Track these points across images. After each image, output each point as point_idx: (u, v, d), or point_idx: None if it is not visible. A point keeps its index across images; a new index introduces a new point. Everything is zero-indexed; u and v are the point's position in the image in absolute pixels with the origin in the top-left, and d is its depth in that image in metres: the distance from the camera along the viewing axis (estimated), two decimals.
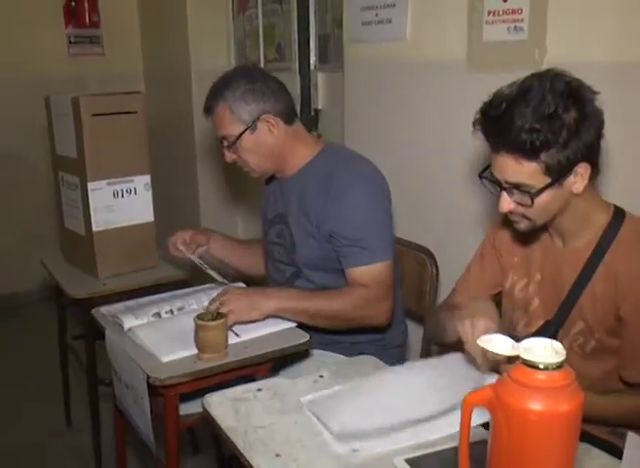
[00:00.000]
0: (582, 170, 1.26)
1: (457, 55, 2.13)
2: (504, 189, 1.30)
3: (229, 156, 1.81)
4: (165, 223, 4.09)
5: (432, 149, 2.31)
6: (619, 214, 1.37)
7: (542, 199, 1.27)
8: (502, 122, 1.23)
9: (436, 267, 1.94)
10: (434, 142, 2.30)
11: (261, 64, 3.57)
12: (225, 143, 1.78)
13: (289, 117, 1.79)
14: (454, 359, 1.45)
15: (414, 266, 2.00)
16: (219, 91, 1.75)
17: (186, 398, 1.65)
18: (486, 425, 1.05)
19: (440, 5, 2.19)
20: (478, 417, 0.95)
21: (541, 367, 0.83)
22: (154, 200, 2.27)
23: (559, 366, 0.83)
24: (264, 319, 1.68)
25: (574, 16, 1.79)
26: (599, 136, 1.27)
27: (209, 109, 1.78)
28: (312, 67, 3.08)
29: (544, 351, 0.85)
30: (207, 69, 3.65)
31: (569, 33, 1.81)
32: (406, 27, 2.32)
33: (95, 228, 2.13)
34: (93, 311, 1.87)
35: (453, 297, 1.65)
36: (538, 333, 1.40)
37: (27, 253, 3.65)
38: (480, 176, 1.37)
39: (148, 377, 1.49)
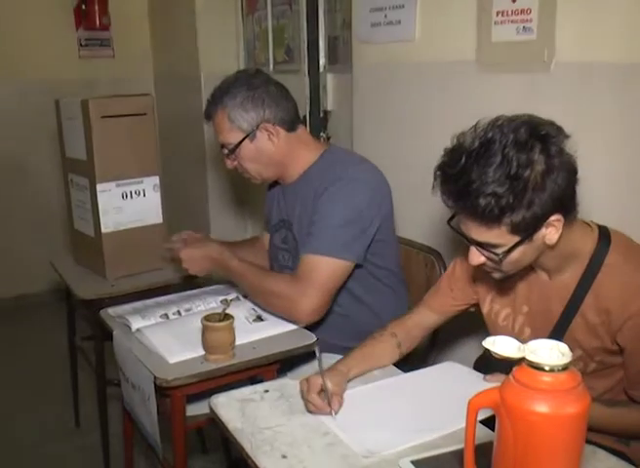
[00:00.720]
0: (555, 221, 1.17)
1: (466, 55, 2.12)
2: (472, 244, 1.23)
3: (230, 163, 1.80)
4: (175, 225, 4.12)
5: (441, 149, 2.29)
6: (604, 239, 1.30)
7: (513, 256, 1.21)
8: (461, 183, 1.15)
9: (444, 269, 1.93)
10: (443, 143, 2.28)
11: (271, 66, 3.57)
12: (225, 151, 1.77)
13: (291, 124, 1.77)
14: (450, 367, 1.50)
15: (422, 268, 1.99)
16: (218, 98, 1.74)
17: (194, 398, 1.66)
18: (486, 421, 1.05)
19: (449, 6, 2.18)
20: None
21: (547, 368, 0.83)
22: (164, 202, 2.27)
23: (565, 368, 0.83)
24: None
25: (583, 16, 1.77)
26: (571, 183, 1.17)
27: (209, 116, 1.78)
28: (322, 69, 3.07)
29: (550, 353, 0.84)
30: (216, 71, 3.65)
31: (578, 34, 1.80)
32: (415, 28, 2.31)
33: (104, 230, 2.13)
34: (101, 312, 1.88)
35: (418, 310, 1.62)
36: None
37: (37, 254, 3.68)
38: (449, 224, 1.28)
39: (155, 378, 1.50)
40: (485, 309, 1.51)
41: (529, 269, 1.37)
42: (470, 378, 1.43)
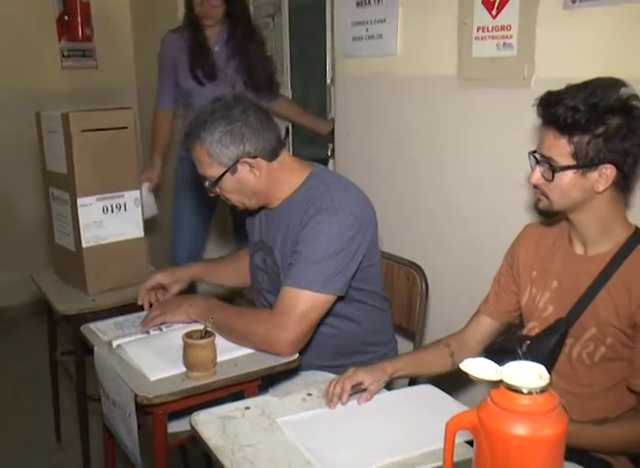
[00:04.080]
0: (609, 172, 1.32)
1: (447, 70, 2.14)
2: (538, 162, 1.39)
3: (212, 192, 1.76)
4: (159, 238, 4.10)
5: (422, 163, 2.32)
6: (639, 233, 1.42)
7: (563, 180, 1.35)
8: (555, 98, 1.34)
9: (426, 283, 1.94)
10: (424, 156, 2.31)
11: None
12: (207, 183, 1.73)
13: (272, 153, 1.71)
14: (427, 390, 1.51)
15: (404, 282, 2.00)
16: (196, 133, 1.68)
17: (176, 415, 1.65)
18: (471, 442, 1.06)
19: (430, 20, 2.20)
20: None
21: (525, 391, 0.83)
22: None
23: (543, 390, 0.83)
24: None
25: (562, 33, 1.80)
26: (637, 155, 1.34)
27: (187, 149, 1.73)
28: (328, 81, 3.00)
29: (528, 375, 0.84)
30: None
31: (558, 50, 1.82)
32: (396, 42, 2.33)
33: (84, 244, 2.11)
34: (82, 328, 1.87)
35: (473, 321, 1.67)
36: (548, 330, 1.45)
37: (18, 267, 3.64)
38: (529, 153, 1.44)
39: (136, 396, 1.49)
40: (524, 299, 1.56)
41: (567, 243, 1.49)
42: (447, 403, 1.44)
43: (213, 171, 1.69)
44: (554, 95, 1.35)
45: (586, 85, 1.33)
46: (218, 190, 1.74)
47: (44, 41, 3.97)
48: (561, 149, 1.33)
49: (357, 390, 1.47)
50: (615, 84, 1.32)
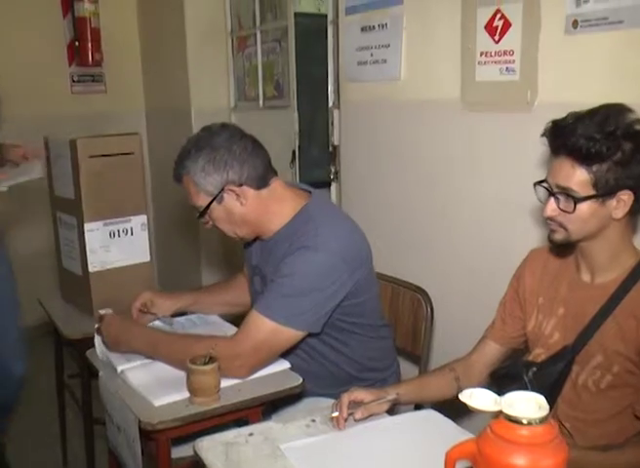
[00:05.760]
0: (626, 197, 1.32)
1: (450, 94, 2.16)
2: (553, 194, 1.37)
3: (204, 223, 1.75)
4: (166, 262, 4.12)
5: (426, 186, 2.33)
6: None
7: (583, 210, 1.33)
8: (568, 129, 1.33)
9: (431, 307, 1.93)
10: (428, 179, 2.31)
11: (260, 101, 3.61)
12: (197, 213, 1.73)
13: (260, 181, 1.69)
14: (432, 416, 1.49)
15: (409, 306, 1.99)
16: (181, 162, 1.69)
17: (180, 440, 1.64)
18: None
19: (433, 45, 2.22)
20: None
21: (525, 422, 0.82)
22: (155, 239, 2.27)
23: (542, 421, 0.83)
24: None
25: (564, 58, 1.81)
26: None
27: (176, 179, 1.73)
28: (330, 104, 3.03)
29: (527, 405, 0.84)
30: (207, 106, 3.72)
31: (560, 75, 1.83)
32: (400, 67, 2.35)
33: (91, 269, 2.13)
34: (87, 353, 1.87)
35: (479, 346, 1.66)
36: (555, 357, 1.44)
37: (26, 291, 3.65)
38: (535, 185, 1.43)
39: (140, 422, 1.49)
40: (530, 325, 1.55)
41: (573, 270, 1.48)
42: (449, 429, 1.43)
43: (200, 200, 1.69)
44: (564, 124, 1.34)
45: (594, 112, 1.32)
46: (209, 220, 1.74)
47: (55, 66, 4.02)
48: (581, 180, 1.31)
49: (357, 409, 1.47)
50: (623, 110, 1.32)
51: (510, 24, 1.93)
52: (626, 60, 1.67)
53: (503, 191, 2.03)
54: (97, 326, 1.83)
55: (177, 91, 3.83)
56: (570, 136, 1.31)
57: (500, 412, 0.84)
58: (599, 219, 1.34)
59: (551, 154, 1.39)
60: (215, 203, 1.68)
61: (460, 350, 1.69)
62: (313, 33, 3.21)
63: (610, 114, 1.31)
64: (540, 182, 1.42)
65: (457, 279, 2.24)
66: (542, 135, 1.39)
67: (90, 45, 3.94)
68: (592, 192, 1.31)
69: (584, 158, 1.30)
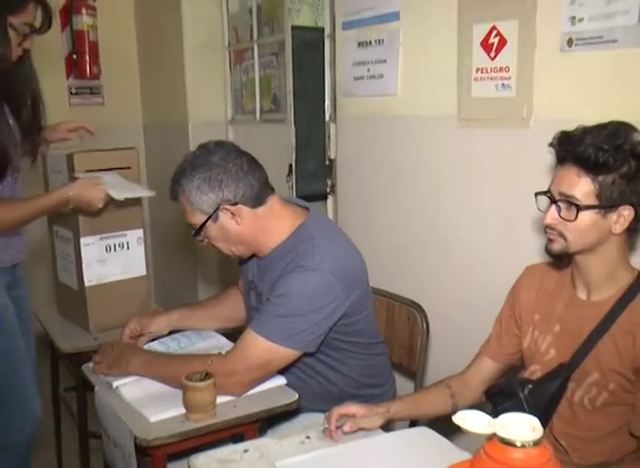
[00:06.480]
0: (627, 213, 1.33)
1: (446, 110, 2.17)
2: (555, 202, 1.37)
3: (201, 241, 1.76)
4: (163, 277, 4.11)
5: (422, 202, 2.33)
6: None
7: (584, 219, 1.33)
8: (576, 138, 1.34)
9: (427, 322, 1.94)
10: (424, 195, 2.32)
11: (257, 115, 3.62)
12: (192, 232, 1.73)
13: (256, 199, 1.69)
14: (426, 433, 1.49)
15: (404, 321, 2.00)
16: (176, 181, 1.70)
17: (177, 456, 1.64)
18: None
19: (430, 61, 2.24)
20: None
21: (518, 444, 0.82)
22: (154, 253, 2.26)
23: (536, 443, 0.83)
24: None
25: (560, 75, 1.82)
26: None
27: (172, 197, 1.74)
28: (327, 118, 3.03)
29: (521, 428, 0.84)
30: (204, 120, 3.73)
31: (555, 92, 1.84)
32: (397, 82, 2.36)
33: (87, 283, 2.12)
34: (83, 367, 1.87)
35: (475, 362, 1.66)
36: (550, 375, 1.44)
37: None
38: (536, 195, 1.45)
39: (136, 437, 1.48)
40: (526, 342, 1.56)
41: (569, 287, 1.49)
42: (443, 447, 1.42)
43: (195, 218, 1.70)
44: (573, 134, 1.35)
45: (603, 126, 1.34)
46: (205, 239, 1.74)
47: (53, 79, 4.01)
48: (584, 188, 1.32)
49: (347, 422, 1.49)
50: (632, 128, 1.34)
51: (506, 41, 1.95)
52: (620, 78, 1.69)
53: (499, 207, 2.04)
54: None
55: (174, 103, 3.84)
56: (578, 145, 1.32)
57: (494, 435, 0.84)
58: (598, 232, 1.35)
59: (557, 164, 1.40)
60: (210, 221, 1.68)
61: (455, 365, 1.69)
62: (311, 47, 3.23)
63: (619, 129, 1.32)
64: (541, 192, 1.42)
65: (452, 294, 2.24)
66: (550, 144, 1.40)
67: (88, 58, 3.94)
68: (595, 202, 1.32)
69: (591, 167, 1.31)
